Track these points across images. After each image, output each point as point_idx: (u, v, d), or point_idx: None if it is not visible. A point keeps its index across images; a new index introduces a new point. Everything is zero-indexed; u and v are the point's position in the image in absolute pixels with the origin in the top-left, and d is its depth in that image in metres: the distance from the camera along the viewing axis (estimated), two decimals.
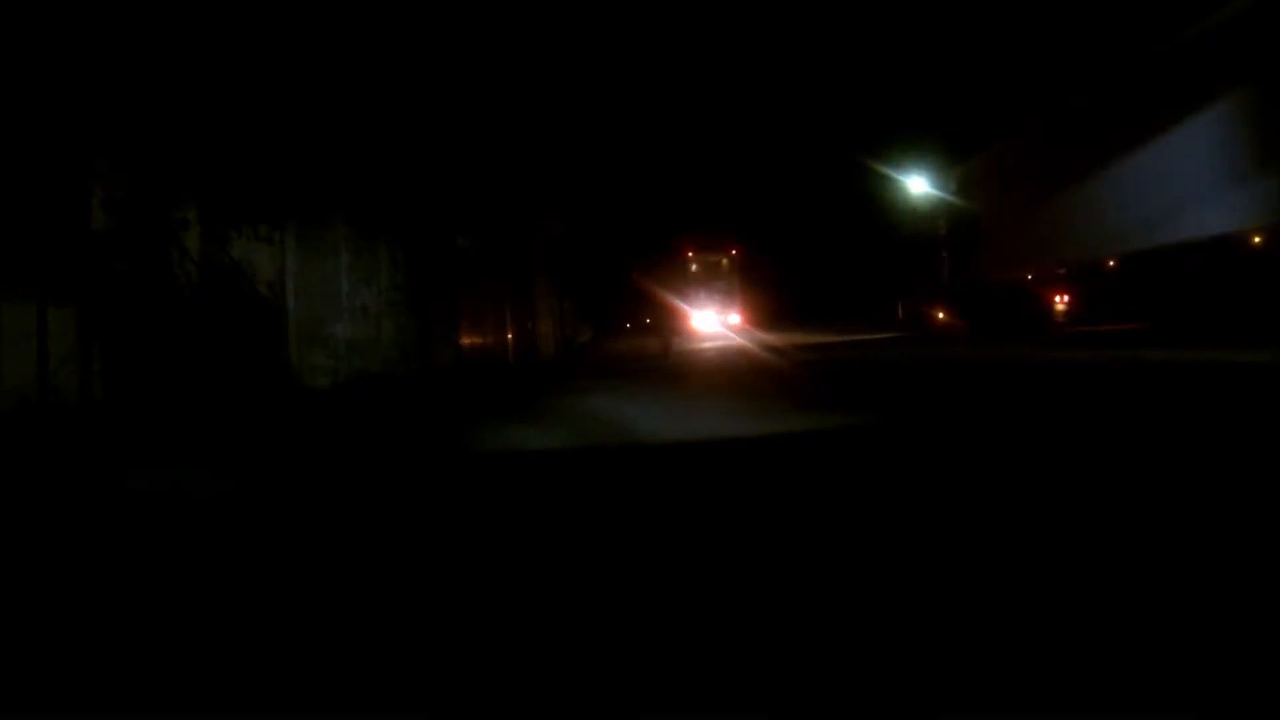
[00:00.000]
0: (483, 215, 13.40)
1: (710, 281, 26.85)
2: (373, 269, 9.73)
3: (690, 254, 27.09)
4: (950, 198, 17.29)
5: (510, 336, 14.80)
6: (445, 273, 11.89)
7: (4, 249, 4.83)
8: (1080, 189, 10.94)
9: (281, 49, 7.41)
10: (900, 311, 21.24)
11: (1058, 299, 12.35)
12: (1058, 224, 11.49)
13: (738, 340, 19.41)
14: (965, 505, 2.25)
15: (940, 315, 17.41)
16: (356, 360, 9.11)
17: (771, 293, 29.39)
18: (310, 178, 8.12)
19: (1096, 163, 10.61)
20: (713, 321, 25.41)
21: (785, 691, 1.11)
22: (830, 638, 1.31)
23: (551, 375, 11.20)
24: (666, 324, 25.96)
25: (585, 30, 18.55)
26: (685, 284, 26.28)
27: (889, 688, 1.11)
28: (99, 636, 1.49)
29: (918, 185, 19.38)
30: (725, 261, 27.45)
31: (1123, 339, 9.66)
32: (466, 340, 12.59)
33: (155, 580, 1.84)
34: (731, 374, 9.00)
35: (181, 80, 6.20)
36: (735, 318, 26.19)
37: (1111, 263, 10.66)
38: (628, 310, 26.31)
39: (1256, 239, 8.43)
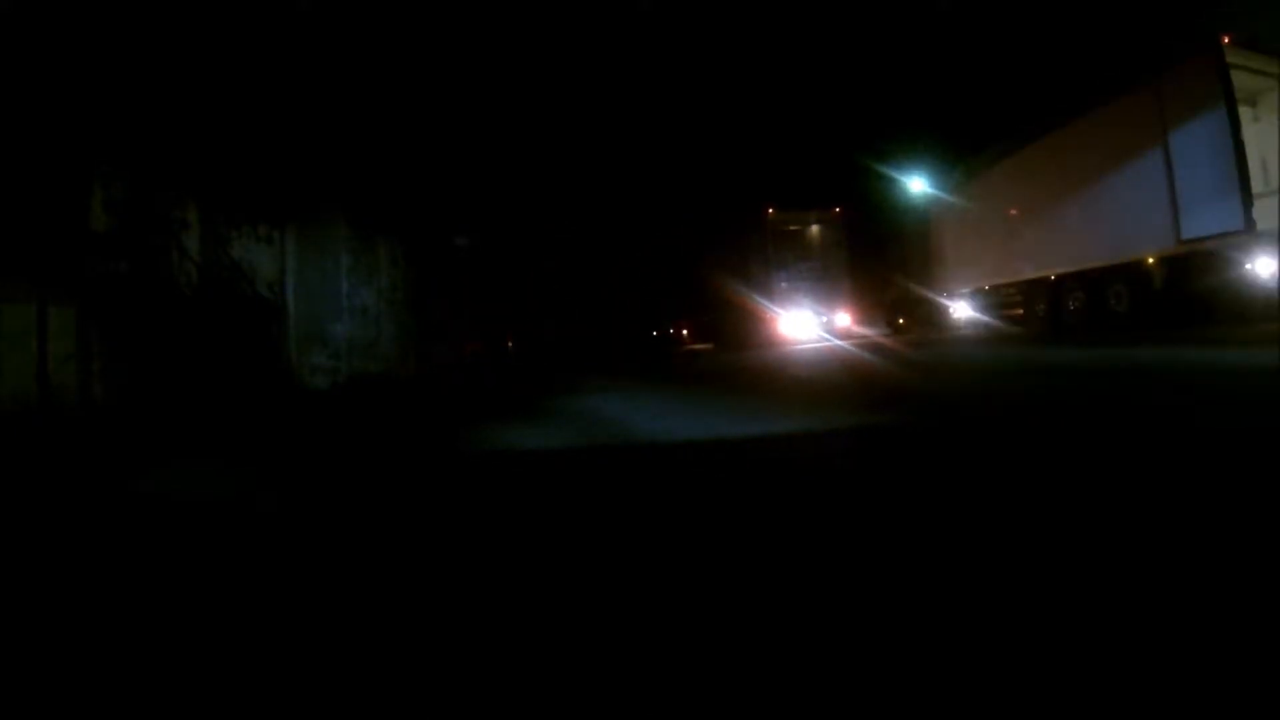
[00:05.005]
0: (483, 215, 13.42)
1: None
2: (373, 269, 9.74)
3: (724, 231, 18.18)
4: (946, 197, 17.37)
5: (511, 336, 14.83)
6: (445, 273, 11.91)
7: (4, 249, 4.84)
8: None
9: (283, 50, 7.42)
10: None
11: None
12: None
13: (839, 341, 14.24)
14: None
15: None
16: (356, 360, 9.12)
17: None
18: (310, 178, 8.13)
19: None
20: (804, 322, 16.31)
21: (788, 706, 1.11)
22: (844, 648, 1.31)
23: (553, 375, 11.20)
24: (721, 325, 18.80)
25: (586, 29, 18.56)
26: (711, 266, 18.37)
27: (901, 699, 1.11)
28: (95, 638, 1.49)
29: (917, 185, 19.58)
30: (820, 228, 17.06)
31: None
32: (467, 340, 12.61)
33: (154, 581, 1.85)
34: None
35: (182, 82, 6.21)
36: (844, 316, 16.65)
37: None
38: (632, 310, 26.10)
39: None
